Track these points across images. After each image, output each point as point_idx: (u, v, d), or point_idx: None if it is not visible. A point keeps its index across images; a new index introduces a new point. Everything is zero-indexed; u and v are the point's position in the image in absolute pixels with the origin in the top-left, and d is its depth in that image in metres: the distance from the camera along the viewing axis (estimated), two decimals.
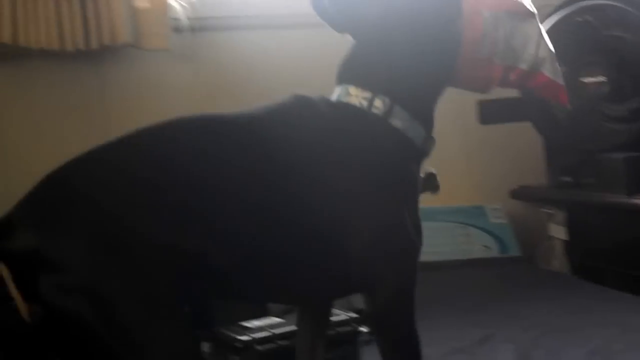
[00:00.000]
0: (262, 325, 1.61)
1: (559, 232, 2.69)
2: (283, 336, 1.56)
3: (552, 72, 1.34)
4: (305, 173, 1.16)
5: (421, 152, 1.26)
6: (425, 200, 1.29)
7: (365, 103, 1.21)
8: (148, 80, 2.52)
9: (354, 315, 1.67)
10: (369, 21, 1.25)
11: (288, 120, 1.20)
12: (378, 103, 1.21)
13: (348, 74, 1.26)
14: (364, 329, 1.68)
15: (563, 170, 2.59)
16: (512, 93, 2.14)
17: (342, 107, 1.23)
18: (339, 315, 1.65)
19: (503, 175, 2.79)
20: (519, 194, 2.79)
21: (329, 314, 1.39)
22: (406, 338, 1.20)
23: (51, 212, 1.02)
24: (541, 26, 1.35)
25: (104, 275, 1.00)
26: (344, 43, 1.29)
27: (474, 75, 1.32)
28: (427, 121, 1.26)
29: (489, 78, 1.33)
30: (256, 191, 1.13)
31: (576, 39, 2.42)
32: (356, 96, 1.22)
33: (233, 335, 1.56)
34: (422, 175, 1.29)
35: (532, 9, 1.33)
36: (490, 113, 2.51)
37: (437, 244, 2.51)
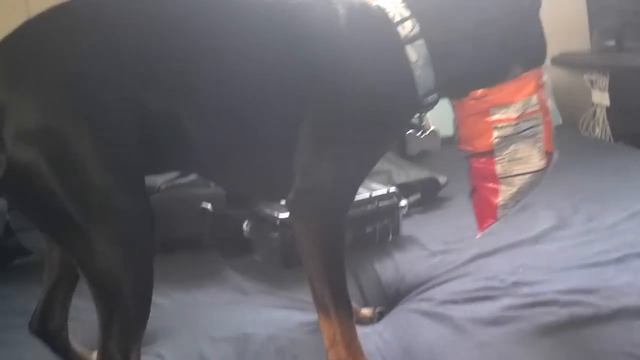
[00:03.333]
0: None
1: (601, 98, 2.65)
2: None
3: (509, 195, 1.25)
4: (288, 58, 1.11)
5: (417, 101, 1.20)
6: None
7: (397, 17, 1.17)
8: None
9: (393, 189, 1.70)
10: None
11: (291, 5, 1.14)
12: (409, 24, 1.16)
13: None
14: (403, 202, 1.72)
15: (606, 33, 2.52)
16: None
17: (368, 9, 1.18)
18: (379, 189, 1.68)
19: None
20: (560, 60, 2.73)
21: None
22: (323, 230, 1.14)
23: (13, 66, 1.00)
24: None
25: (62, 123, 0.98)
26: None
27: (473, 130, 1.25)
28: (441, 79, 1.18)
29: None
30: (234, 62, 1.09)
31: None
32: (395, 8, 1.18)
33: (272, 212, 1.58)
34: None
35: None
36: None
37: None
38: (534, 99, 1.21)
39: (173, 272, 1.54)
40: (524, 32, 1.21)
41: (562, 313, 1.24)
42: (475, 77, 1.20)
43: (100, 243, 1.00)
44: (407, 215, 1.78)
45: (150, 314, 1.06)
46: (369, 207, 1.65)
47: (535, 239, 1.62)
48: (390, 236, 1.68)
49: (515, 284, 1.37)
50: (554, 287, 1.34)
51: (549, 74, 1.25)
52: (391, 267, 1.55)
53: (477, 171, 1.26)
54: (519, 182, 1.24)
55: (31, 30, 1.04)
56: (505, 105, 1.20)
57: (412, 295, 1.41)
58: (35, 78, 0.98)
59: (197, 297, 1.48)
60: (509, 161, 1.23)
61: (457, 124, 1.26)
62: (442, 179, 1.98)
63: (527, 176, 1.24)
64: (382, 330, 1.28)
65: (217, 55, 1.08)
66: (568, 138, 2.46)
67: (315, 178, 1.12)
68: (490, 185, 1.25)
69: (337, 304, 1.14)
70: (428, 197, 1.95)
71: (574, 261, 1.46)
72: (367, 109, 1.13)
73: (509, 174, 1.23)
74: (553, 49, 2.69)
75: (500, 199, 1.25)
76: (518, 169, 1.23)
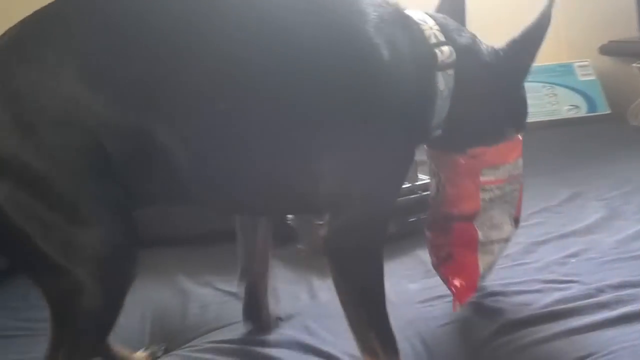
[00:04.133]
0: None
1: None
2: None
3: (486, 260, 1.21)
4: (291, 60, 0.99)
5: (428, 131, 1.12)
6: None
7: (433, 39, 1.10)
8: None
9: None
10: None
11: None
12: (447, 50, 1.10)
13: (438, 16, 1.16)
14: None
15: None
16: None
17: (403, 19, 1.09)
18: (423, 179, 1.65)
19: (591, 29, 2.66)
20: (608, 49, 2.66)
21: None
22: (361, 272, 1.06)
23: None
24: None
25: (27, 158, 0.92)
26: None
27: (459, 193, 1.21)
28: (451, 116, 1.12)
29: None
30: (226, 67, 0.97)
31: None
32: (430, 28, 1.11)
33: None
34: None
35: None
36: None
37: None
38: (520, 161, 1.22)
39: (218, 263, 1.54)
40: (521, 95, 1.22)
41: (615, 307, 1.19)
42: (478, 131, 1.17)
43: (75, 277, 0.95)
44: None
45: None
46: (412, 196, 1.64)
47: (587, 230, 1.58)
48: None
49: (567, 276, 1.33)
50: (606, 279, 1.29)
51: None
52: None
53: (459, 236, 1.20)
54: (496, 249, 1.21)
55: None
56: (495, 166, 1.18)
57: None
58: None
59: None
60: (488, 227, 1.20)
61: (442, 183, 1.21)
62: None
63: (502, 244, 1.22)
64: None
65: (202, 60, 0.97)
66: (616, 128, 2.43)
67: (349, 213, 1.04)
68: (471, 253, 1.19)
69: (385, 347, 1.06)
70: None
71: (627, 253, 1.42)
72: (397, 132, 1.05)
73: (488, 240, 1.20)
74: (601, 37, 2.65)
75: (481, 268, 1.21)
76: (495, 234, 1.20)
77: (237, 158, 1.01)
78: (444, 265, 1.24)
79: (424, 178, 1.65)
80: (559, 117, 2.53)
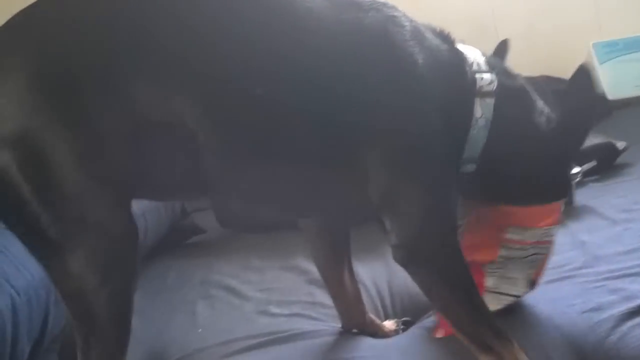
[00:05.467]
0: None
1: None
2: None
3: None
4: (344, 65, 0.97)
5: (458, 155, 1.06)
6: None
7: (476, 66, 1.07)
8: None
9: None
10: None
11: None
12: (488, 77, 1.06)
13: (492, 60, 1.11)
14: (575, 170, 1.62)
15: None
16: None
17: (444, 41, 1.07)
18: None
19: None
20: None
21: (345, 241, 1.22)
22: (447, 269, 1.02)
23: None
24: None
25: (37, 126, 0.88)
26: None
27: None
28: (487, 151, 1.07)
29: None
30: (266, 63, 0.94)
31: None
32: (475, 57, 1.08)
33: None
34: None
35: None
36: None
37: None
38: (554, 229, 1.14)
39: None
40: (565, 172, 1.18)
41: None
42: (513, 182, 1.10)
43: (74, 261, 0.90)
44: (582, 184, 1.68)
45: None
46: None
47: None
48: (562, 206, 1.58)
49: None
50: None
51: None
52: (565, 235, 1.43)
53: None
54: (504, 301, 1.14)
55: (5, 29, 0.94)
56: (524, 228, 1.12)
57: (595, 268, 1.29)
58: (8, 77, 0.90)
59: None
60: (499, 277, 1.14)
61: (464, 227, 1.15)
62: (620, 144, 1.83)
63: (510, 299, 1.15)
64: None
65: (243, 38, 0.94)
66: None
67: (409, 229, 1.01)
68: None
69: (499, 338, 1.02)
70: (605, 164, 1.81)
71: None
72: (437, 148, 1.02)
73: (497, 290, 1.14)
74: None
75: None
76: (505, 287, 1.14)
77: (270, 150, 0.98)
78: None
79: None
80: None
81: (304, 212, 1.15)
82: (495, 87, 1.06)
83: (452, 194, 1.06)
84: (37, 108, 0.88)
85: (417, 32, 1.03)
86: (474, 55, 1.09)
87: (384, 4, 1.04)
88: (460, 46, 1.09)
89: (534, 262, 1.15)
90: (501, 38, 1.24)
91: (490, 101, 1.06)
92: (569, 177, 1.15)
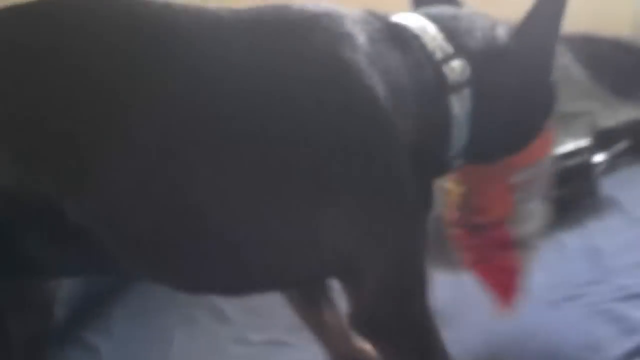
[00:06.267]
0: None
1: None
2: None
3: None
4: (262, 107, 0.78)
5: (445, 165, 0.93)
6: None
7: (439, 53, 0.88)
8: None
9: (584, 144, 1.42)
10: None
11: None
12: (457, 66, 0.88)
13: (438, 14, 0.92)
14: (600, 158, 1.44)
15: None
16: None
17: (398, 34, 0.88)
18: (566, 145, 1.41)
19: None
20: None
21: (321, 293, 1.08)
22: (414, 345, 0.88)
23: None
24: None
25: None
26: None
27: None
28: (474, 141, 0.91)
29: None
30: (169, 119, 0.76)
31: None
32: (433, 39, 0.88)
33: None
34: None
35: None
36: None
37: None
38: (550, 155, 1.09)
39: None
40: (550, 82, 0.98)
41: None
42: (510, 141, 0.97)
43: None
44: (611, 169, 1.50)
45: None
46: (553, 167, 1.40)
47: None
48: (583, 199, 1.41)
49: None
50: None
51: None
52: (581, 238, 1.30)
53: (492, 242, 1.06)
54: (536, 239, 1.08)
55: None
56: (525, 166, 1.03)
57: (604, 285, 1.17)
58: None
59: None
60: (521, 222, 1.06)
61: (465, 193, 1.05)
62: None
63: (539, 231, 1.08)
64: None
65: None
66: None
67: (368, 296, 0.85)
68: (508, 254, 1.07)
69: None
70: None
71: None
72: (403, 184, 0.84)
73: (525, 235, 1.06)
74: None
75: (524, 266, 1.08)
76: (530, 226, 1.07)
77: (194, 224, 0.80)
78: (479, 267, 1.09)
79: (565, 143, 1.41)
80: None
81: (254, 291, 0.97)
82: (469, 74, 0.89)
83: (421, 247, 0.88)
84: None
85: (371, 44, 0.84)
86: (432, 35, 0.89)
87: (329, 15, 0.84)
88: (413, 24, 0.90)
89: (541, 186, 1.09)
90: None
91: (467, 91, 0.89)
92: (552, 84, 0.99)
